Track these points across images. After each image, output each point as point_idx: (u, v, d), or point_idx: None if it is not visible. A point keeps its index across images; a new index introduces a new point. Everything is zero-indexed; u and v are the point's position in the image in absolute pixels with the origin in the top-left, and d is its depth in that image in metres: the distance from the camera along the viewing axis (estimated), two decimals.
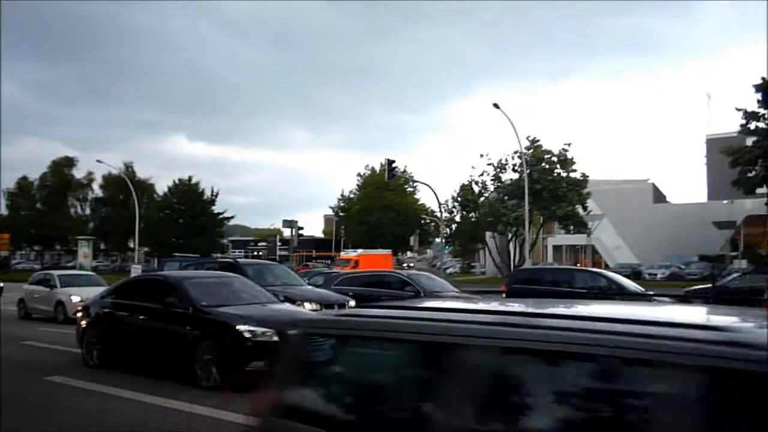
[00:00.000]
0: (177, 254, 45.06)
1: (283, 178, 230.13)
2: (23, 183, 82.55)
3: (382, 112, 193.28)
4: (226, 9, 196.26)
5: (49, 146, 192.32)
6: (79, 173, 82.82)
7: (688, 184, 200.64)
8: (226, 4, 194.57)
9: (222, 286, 11.38)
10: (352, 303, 14.08)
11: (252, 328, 9.32)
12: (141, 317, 10.65)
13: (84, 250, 57.27)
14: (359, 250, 51.47)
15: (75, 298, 19.05)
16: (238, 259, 19.88)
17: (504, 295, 17.92)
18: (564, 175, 47.73)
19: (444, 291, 17.29)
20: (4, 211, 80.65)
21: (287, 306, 11.54)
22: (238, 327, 9.37)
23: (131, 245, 67.88)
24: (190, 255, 42.64)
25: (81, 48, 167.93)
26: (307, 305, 13.24)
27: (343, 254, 50.94)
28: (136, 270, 49.11)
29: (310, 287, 15.52)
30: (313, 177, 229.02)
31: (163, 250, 73.35)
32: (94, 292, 19.71)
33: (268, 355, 8.81)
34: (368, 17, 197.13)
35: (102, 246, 79.27)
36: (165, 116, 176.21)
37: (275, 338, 9.05)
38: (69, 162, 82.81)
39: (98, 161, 61.86)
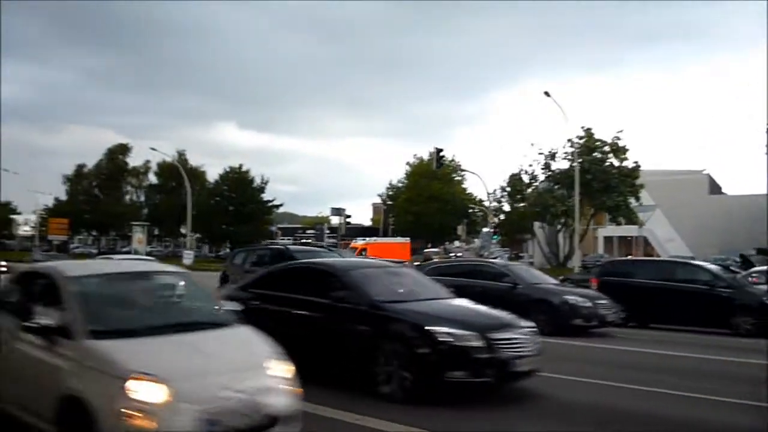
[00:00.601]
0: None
1: (331, 167, 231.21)
2: (80, 170, 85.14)
3: (428, 102, 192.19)
4: (273, 3, 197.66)
5: (103, 134, 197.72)
6: (133, 161, 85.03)
7: (746, 175, 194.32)
8: None
9: (394, 278, 9.85)
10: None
11: (450, 330, 7.83)
12: (301, 313, 9.06)
13: (138, 236, 58.80)
14: (369, 238, 49.53)
15: None
16: (289, 246, 19.78)
17: (595, 287, 16.63)
18: (616, 164, 46.83)
19: (543, 282, 15.90)
20: (64, 197, 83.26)
21: (475, 304, 9.38)
22: (429, 328, 7.91)
23: (183, 231, 69.42)
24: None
25: (135, 40, 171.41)
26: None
27: (353, 242, 48.92)
28: (188, 256, 50.29)
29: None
30: (360, 166, 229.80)
31: (213, 236, 74.90)
32: None
33: (470, 363, 7.68)
34: (413, 8, 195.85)
35: (155, 232, 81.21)
36: (216, 105, 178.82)
37: (477, 343, 7.73)
38: (123, 149, 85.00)
39: (152, 149, 63.17)
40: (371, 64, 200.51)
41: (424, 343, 7.76)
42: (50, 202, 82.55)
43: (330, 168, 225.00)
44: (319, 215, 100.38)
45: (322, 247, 38.12)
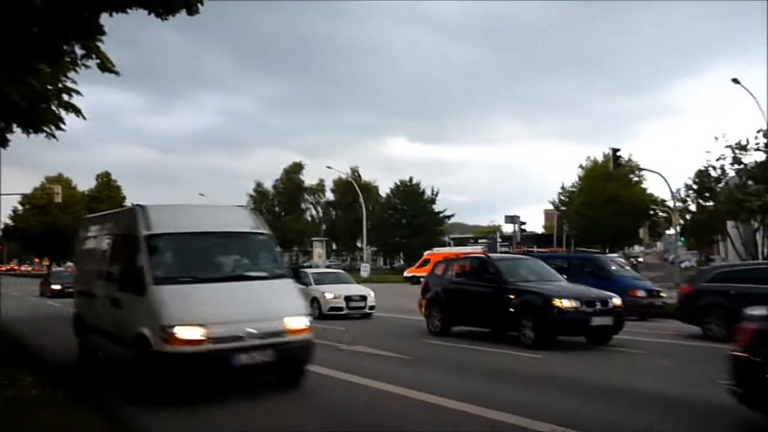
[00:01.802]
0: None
1: (499, 174, 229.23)
2: (258, 187, 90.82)
3: (598, 99, 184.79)
4: (436, 14, 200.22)
5: (283, 155, 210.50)
6: (308, 179, 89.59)
7: None
8: (436, 8, 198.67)
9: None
10: (617, 301, 13.34)
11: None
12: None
13: (318, 251, 61.70)
14: (435, 249, 54.59)
15: (329, 295, 20.33)
16: (490, 254, 20.28)
17: None
18: None
19: None
20: None
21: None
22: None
23: (359, 245, 71.89)
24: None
25: (309, 64, 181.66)
26: (565, 302, 12.79)
27: (425, 253, 52.19)
28: (365, 269, 51.97)
29: (568, 283, 14.61)
30: (529, 172, 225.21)
31: (387, 249, 76.88)
32: (343, 288, 21.11)
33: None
34: (582, 5, 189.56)
35: (333, 246, 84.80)
36: (385, 119, 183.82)
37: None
38: (297, 168, 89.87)
39: (328, 167, 66.33)
40: (540, 67, 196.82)
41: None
42: None
43: (499, 175, 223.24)
44: (491, 224, 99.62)
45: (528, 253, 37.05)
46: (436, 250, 54.68)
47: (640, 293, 20.02)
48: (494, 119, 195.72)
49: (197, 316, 7.59)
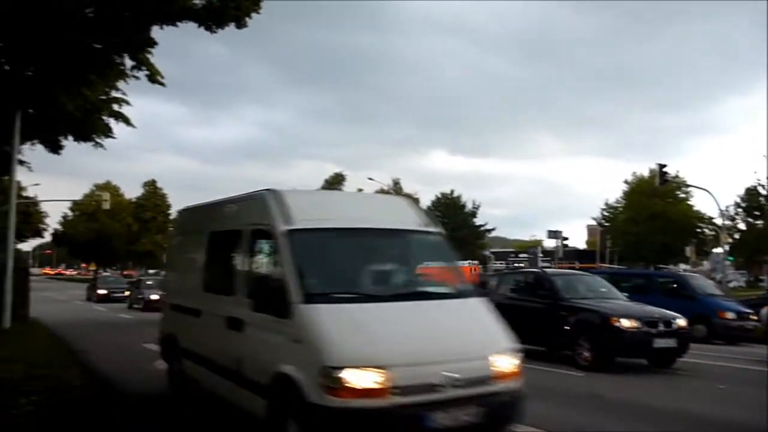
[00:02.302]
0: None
1: (540, 188, 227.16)
2: None
3: (641, 116, 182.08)
4: (477, 28, 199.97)
5: (324, 166, 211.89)
6: (350, 189, 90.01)
7: None
8: (478, 22, 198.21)
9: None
10: (682, 322, 12.68)
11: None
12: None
13: None
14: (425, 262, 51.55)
15: None
16: (546, 269, 19.47)
17: None
18: None
19: None
20: None
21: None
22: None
23: None
24: None
25: (352, 77, 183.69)
26: (625, 321, 12.16)
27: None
28: None
29: (630, 302, 13.97)
30: (570, 187, 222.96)
31: None
32: None
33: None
34: (620, 20, 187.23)
35: None
36: (425, 132, 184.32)
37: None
38: (338, 179, 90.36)
39: (369, 179, 66.54)
40: (580, 82, 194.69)
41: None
42: None
43: (540, 190, 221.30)
44: (532, 238, 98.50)
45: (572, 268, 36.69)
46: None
47: (730, 315, 18.47)
48: (535, 133, 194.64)
49: (375, 353, 5.12)
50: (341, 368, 4.96)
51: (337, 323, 5.29)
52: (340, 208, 6.96)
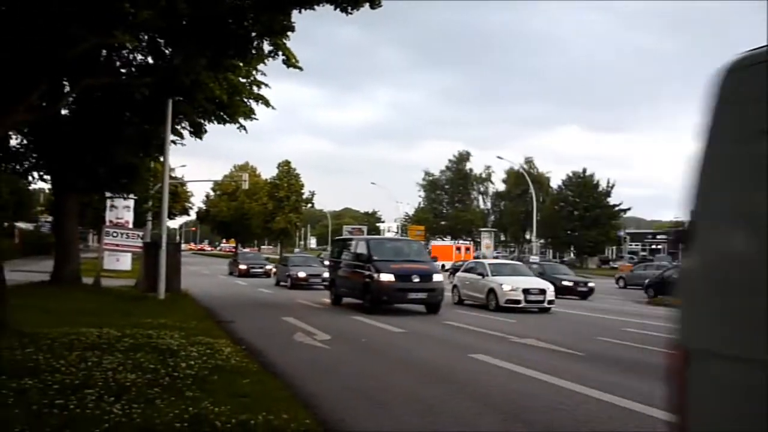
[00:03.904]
0: None
1: (683, 167, 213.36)
2: (427, 177, 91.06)
3: None
4: (617, 2, 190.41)
5: (453, 146, 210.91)
6: (478, 169, 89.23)
7: None
8: None
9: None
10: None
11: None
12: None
13: (486, 241, 61.50)
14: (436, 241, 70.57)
15: (506, 287, 20.04)
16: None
17: None
18: None
19: None
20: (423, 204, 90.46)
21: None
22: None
23: (528, 237, 70.53)
24: None
25: (480, 56, 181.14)
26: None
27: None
28: (534, 261, 50.98)
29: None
30: None
31: (556, 242, 74.85)
32: (521, 280, 20.81)
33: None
34: None
35: (501, 237, 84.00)
36: (556, 109, 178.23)
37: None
38: (464, 157, 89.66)
39: (498, 157, 65.79)
40: (722, 50, 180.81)
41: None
42: (410, 211, 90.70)
43: (683, 169, 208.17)
44: (675, 219, 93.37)
45: (675, 254, 35.09)
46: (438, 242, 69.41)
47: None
48: (675, 106, 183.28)
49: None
50: None
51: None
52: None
